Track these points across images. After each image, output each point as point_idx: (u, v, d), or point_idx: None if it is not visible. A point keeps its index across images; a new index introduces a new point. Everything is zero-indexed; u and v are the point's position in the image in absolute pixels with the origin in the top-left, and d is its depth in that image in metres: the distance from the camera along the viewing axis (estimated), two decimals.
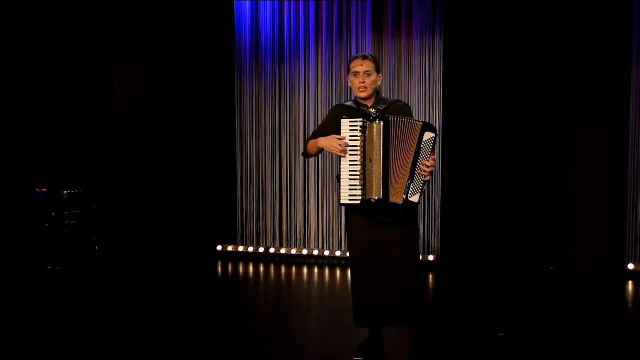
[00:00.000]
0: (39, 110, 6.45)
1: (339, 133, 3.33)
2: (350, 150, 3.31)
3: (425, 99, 6.10)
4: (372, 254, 3.40)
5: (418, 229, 3.65)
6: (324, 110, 6.30)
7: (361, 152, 3.29)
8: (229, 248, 6.74)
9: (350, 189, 3.33)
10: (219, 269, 6.34)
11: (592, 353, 3.72)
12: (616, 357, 3.69)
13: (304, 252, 6.51)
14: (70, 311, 4.63)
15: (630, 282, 5.41)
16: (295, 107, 6.49)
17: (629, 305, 4.89)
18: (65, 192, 6.07)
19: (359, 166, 3.30)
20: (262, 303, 5.34)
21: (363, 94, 3.44)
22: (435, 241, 6.16)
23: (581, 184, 4.85)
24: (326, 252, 6.46)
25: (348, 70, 3.49)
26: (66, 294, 5.20)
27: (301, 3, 6.41)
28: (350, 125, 3.31)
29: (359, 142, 3.29)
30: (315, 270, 6.20)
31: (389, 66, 6.12)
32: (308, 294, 5.39)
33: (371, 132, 3.28)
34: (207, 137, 6.71)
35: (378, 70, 3.49)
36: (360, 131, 3.29)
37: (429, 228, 6.17)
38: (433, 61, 6.06)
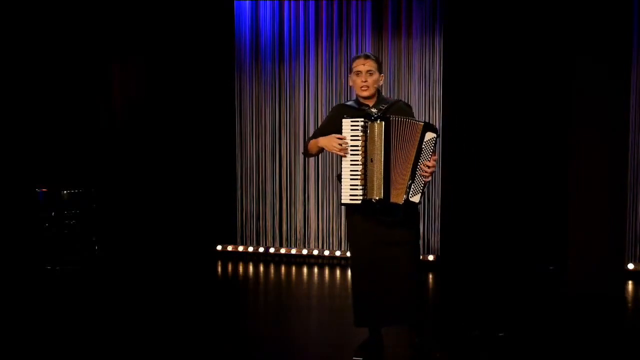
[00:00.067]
0: (39, 110, 6.45)
1: (340, 133, 3.34)
2: (351, 150, 3.31)
3: (425, 99, 6.11)
4: (373, 254, 3.40)
5: (419, 229, 3.65)
6: (324, 110, 6.31)
7: (362, 152, 3.29)
8: (229, 248, 6.74)
9: (351, 189, 3.33)
10: (219, 269, 6.34)
11: (592, 353, 3.73)
12: (616, 357, 3.69)
13: (304, 252, 6.51)
14: (70, 311, 4.62)
15: (630, 282, 5.42)
16: (295, 107, 6.50)
17: (629, 305, 4.89)
18: (65, 192, 6.06)
19: (360, 166, 3.30)
20: (262, 303, 5.34)
21: (365, 93, 3.44)
22: (435, 241, 6.17)
23: (581, 184, 4.85)
24: (326, 252, 6.46)
25: (350, 70, 3.49)
26: (66, 294, 5.20)
27: (301, 3, 6.41)
28: (351, 125, 3.32)
29: (361, 142, 3.30)
30: (315, 270, 6.20)
31: (389, 66, 6.12)
32: (308, 294, 5.39)
33: (373, 132, 3.28)
34: (207, 137, 6.71)
35: (380, 70, 3.49)
36: (361, 131, 3.29)
37: (429, 228, 6.18)
38: (433, 61, 6.07)
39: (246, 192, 6.72)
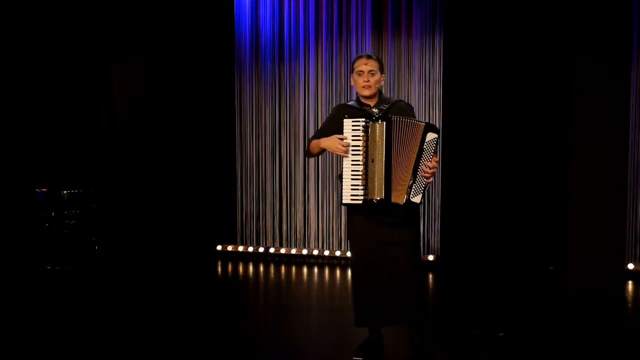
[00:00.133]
0: (39, 110, 6.45)
1: (342, 133, 3.34)
2: (352, 150, 3.31)
3: (425, 99, 6.11)
4: (374, 254, 3.40)
5: (419, 230, 3.65)
6: (324, 110, 6.31)
7: (364, 152, 3.29)
8: (229, 248, 6.74)
9: (352, 189, 3.32)
10: (219, 269, 6.34)
11: (592, 353, 3.73)
12: (616, 357, 3.70)
13: (304, 252, 6.51)
14: (70, 311, 4.62)
15: (630, 282, 5.42)
16: (295, 107, 6.49)
17: (629, 305, 4.89)
18: (65, 192, 6.06)
19: (362, 166, 3.30)
20: (262, 303, 5.34)
21: (367, 92, 3.44)
22: (435, 241, 6.17)
23: (581, 184, 4.85)
24: (326, 252, 6.46)
25: (352, 70, 3.49)
26: (66, 294, 5.19)
27: (301, 3, 6.41)
28: (353, 125, 3.32)
29: (362, 142, 3.29)
30: (315, 270, 6.20)
31: (389, 66, 6.12)
32: (308, 294, 5.39)
33: (374, 132, 3.28)
34: (207, 137, 6.71)
35: (382, 70, 3.49)
36: (362, 131, 3.29)
37: (429, 228, 6.18)
38: (433, 61, 6.07)
39: (246, 192, 6.72)
